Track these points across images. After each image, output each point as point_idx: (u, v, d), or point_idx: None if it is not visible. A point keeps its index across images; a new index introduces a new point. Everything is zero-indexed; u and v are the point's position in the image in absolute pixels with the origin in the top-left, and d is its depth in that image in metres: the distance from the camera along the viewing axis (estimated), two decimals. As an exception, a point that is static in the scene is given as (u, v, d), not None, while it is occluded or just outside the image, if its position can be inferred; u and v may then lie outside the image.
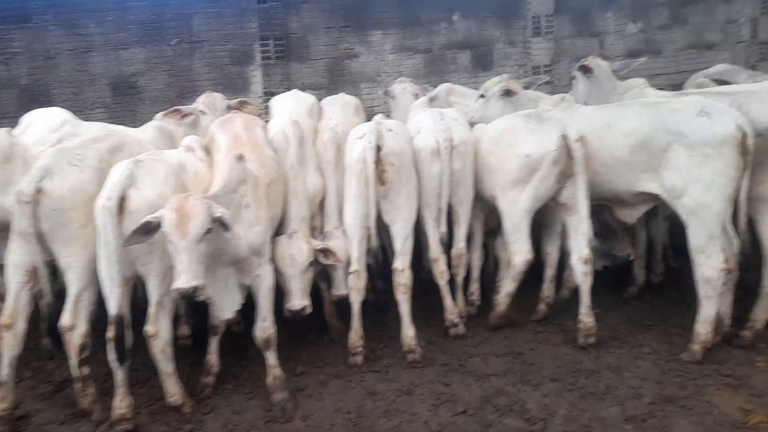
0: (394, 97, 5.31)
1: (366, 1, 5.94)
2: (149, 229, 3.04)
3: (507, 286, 4.12)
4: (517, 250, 3.99)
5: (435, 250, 4.14)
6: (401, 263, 3.89)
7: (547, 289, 4.47)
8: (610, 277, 4.84)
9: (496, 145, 4.07)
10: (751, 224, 3.85)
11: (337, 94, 5.83)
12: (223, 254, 3.37)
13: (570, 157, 3.76)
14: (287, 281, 3.91)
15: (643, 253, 4.71)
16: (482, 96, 4.72)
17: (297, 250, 3.89)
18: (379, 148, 3.74)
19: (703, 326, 3.76)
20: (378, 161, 3.72)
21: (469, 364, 3.90)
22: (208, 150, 4.29)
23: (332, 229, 4.16)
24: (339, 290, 4.10)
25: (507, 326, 4.29)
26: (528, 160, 3.83)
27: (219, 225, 3.14)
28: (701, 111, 3.62)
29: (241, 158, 3.59)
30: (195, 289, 3.01)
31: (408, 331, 3.94)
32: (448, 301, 4.21)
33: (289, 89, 5.79)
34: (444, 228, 4.14)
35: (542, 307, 4.43)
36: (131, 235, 3.03)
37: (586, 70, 4.71)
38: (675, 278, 4.83)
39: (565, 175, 3.82)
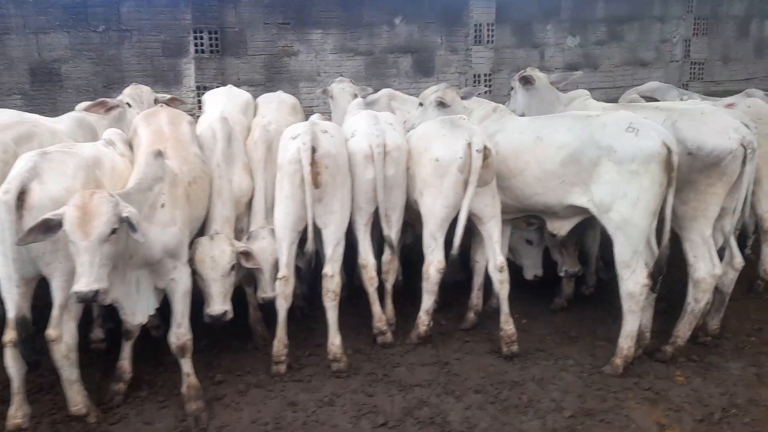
0: (333, 97, 5.18)
1: (307, -1, 5.80)
2: (49, 227, 2.81)
3: (425, 301, 4.04)
4: (431, 261, 3.92)
5: (364, 255, 4.05)
6: (331, 269, 3.77)
7: (476, 297, 4.44)
8: (540, 288, 4.88)
9: (415, 151, 4.02)
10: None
11: (274, 91, 5.69)
12: (134, 256, 3.17)
13: (471, 166, 3.72)
14: (208, 285, 3.72)
15: (573, 265, 4.75)
16: (421, 104, 4.68)
17: (219, 253, 3.72)
18: (314, 150, 3.60)
19: (626, 341, 3.81)
20: (312, 163, 3.59)
21: (394, 374, 3.82)
22: (131, 144, 4.09)
23: (257, 229, 4.01)
24: (265, 293, 3.94)
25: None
26: (437, 165, 3.79)
27: (126, 225, 2.94)
28: (629, 127, 3.65)
29: (158, 154, 3.40)
30: (96, 293, 2.80)
31: (334, 340, 3.83)
32: (375, 308, 4.11)
33: (223, 84, 5.57)
34: (386, 231, 4.07)
35: (471, 315, 4.40)
36: (28, 232, 2.80)
37: (526, 81, 4.73)
38: (605, 290, 4.90)
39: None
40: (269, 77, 5.85)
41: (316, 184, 3.59)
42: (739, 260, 4.15)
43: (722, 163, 3.75)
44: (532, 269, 4.67)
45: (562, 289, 4.76)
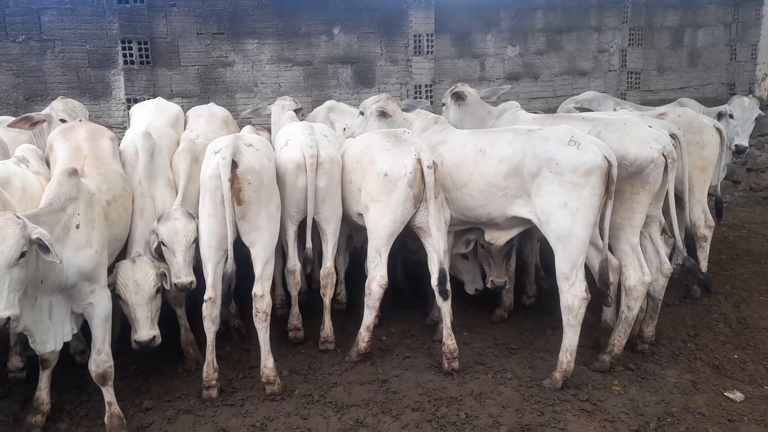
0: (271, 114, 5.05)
1: (241, 9, 5.64)
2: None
3: (366, 317, 3.96)
4: (374, 276, 3.84)
5: (292, 261, 4.03)
6: (261, 288, 3.63)
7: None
8: (481, 300, 4.85)
9: (357, 163, 3.95)
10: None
11: (208, 103, 5.53)
12: (45, 280, 2.97)
13: (423, 182, 3.66)
14: (132, 310, 3.55)
15: (512, 276, 4.73)
16: (362, 113, 4.59)
17: (142, 276, 3.55)
18: (235, 165, 3.46)
19: (565, 355, 3.79)
20: (234, 179, 3.45)
21: (331, 394, 3.70)
22: (48, 162, 3.88)
23: (170, 210, 3.74)
24: (179, 278, 3.61)
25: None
26: (386, 180, 3.71)
27: (37, 247, 2.75)
28: (571, 140, 3.67)
29: (72, 173, 3.20)
30: (7, 320, 2.64)
31: (267, 362, 3.68)
32: (294, 309, 4.19)
33: (155, 96, 5.38)
34: (309, 244, 3.97)
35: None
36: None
37: (458, 97, 4.72)
38: (546, 300, 4.90)
39: (419, 199, 3.73)
40: (204, 88, 5.66)
41: (238, 200, 3.45)
42: (668, 266, 4.22)
43: (644, 172, 3.83)
44: (472, 283, 4.64)
45: (502, 300, 4.74)
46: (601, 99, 5.84)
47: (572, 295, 3.69)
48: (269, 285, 3.66)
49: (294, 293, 4.20)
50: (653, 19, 7.53)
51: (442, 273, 3.78)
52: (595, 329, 4.48)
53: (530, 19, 6.87)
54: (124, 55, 5.25)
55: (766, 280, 5.63)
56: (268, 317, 3.65)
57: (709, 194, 5.35)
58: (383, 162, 3.76)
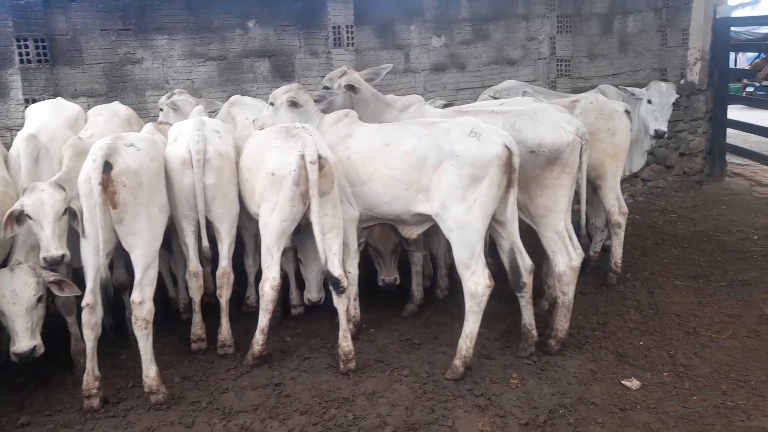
0: (178, 109, 4.89)
1: (148, 3, 5.44)
2: None
3: (261, 320, 3.85)
4: (267, 277, 3.74)
5: (194, 264, 3.91)
6: (140, 295, 3.49)
7: (353, 308, 4.31)
8: (395, 295, 4.78)
9: (252, 161, 3.84)
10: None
11: (116, 101, 5.36)
12: None
13: (308, 179, 3.57)
14: (11, 321, 3.43)
15: (420, 270, 4.67)
16: (271, 104, 4.43)
17: (21, 285, 3.42)
18: (110, 167, 3.31)
19: (465, 341, 3.77)
20: (108, 181, 3.30)
21: (221, 401, 3.60)
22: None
23: (37, 182, 3.54)
24: (48, 252, 3.37)
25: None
26: (273, 178, 3.61)
27: None
28: (472, 131, 3.66)
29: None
30: None
31: (149, 371, 3.56)
32: (196, 317, 4.04)
33: (56, 96, 5.19)
34: (206, 242, 3.86)
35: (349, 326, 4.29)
36: None
37: (351, 89, 4.59)
38: (460, 293, 4.84)
39: (308, 197, 3.63)
40: (111, 87, 5.46)
41: (113, 204, 3.30)
42: (579, 252, 4.18)
43: (563, 156, 3.88)
44: (307, 293, 4.50)
45: (412, 294, 4.68)
46: (519, 87, 5.79)
47: (474, 282, 3.66)
48: (151, 291, 3.51)
49: (197, 298, 4.06)
50: (582, 6, 7.49)
51: (329, 275, 3.69)
52: (501, 321, 4.46)
53: (455, 9, 6.78)
54: (20, 54, 5.03)
55: (685, 264, 5.66)
56: (149, 324, 3.52)
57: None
58: (271, 160, 3.65)
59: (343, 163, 3.96)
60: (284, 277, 4.59)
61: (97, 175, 3.25)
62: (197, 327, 4.11)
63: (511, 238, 3.82)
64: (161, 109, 4.88)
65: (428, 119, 4.06)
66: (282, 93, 4.35)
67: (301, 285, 4.58)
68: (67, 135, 4.30)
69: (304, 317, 4.62)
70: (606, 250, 5.49)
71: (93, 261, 3.45)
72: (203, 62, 5.76)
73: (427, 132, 3.74)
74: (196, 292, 4.00)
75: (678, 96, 5.77)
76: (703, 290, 5.06)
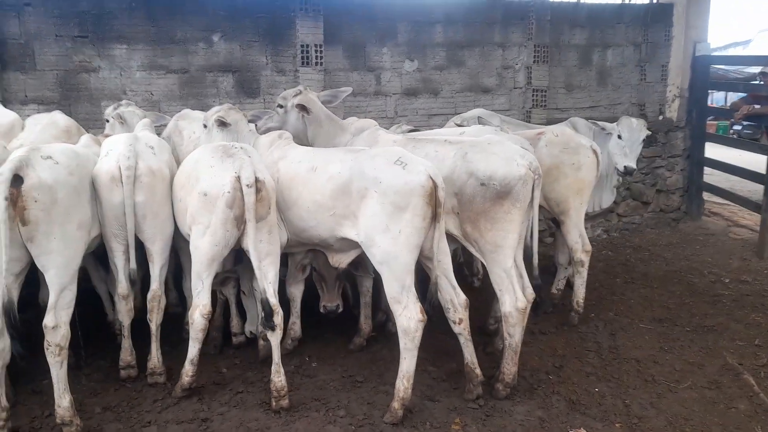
0: (125, 122, 4.68)
1: (107, 11, 5.27)
2: None
3: (190, 350, 3.62)
4: (197, 305, 3.51)
5: (123, 286, 3.68)
6: (53, 319, 3.23)
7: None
8: (344, 327, 4.56)
9: (186, 179, 3.63)
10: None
11: (71, 110, 5.16)
12: None
13: (243, 202, 3.36)
14: None
15: (369, 302, 4.45)
16: (204, 125, 4.29)
17: None
18: (20, 180, 3.08)
19: (402, 382, 3.55)
20: (18, 196, 3.06)
21: (137, 437, 3.34)
22: None
23: None
24: None
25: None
26: (205, 200, 3.41)
27: None
28: (398, 160, 3.50)
29: None
30: None
31: (62, 401, 3.30)
32: (125, 343, 3.81)
33: (5, 101, 4.99)
34: (133, 265, 3.64)
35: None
36: None
37: (303, 109, 4.43)
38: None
39: (242, 221, 3.42)
40: (64, 95, 5.26)
41: (23, 220, 3.06)
42: (529, 292, 4.00)
43: (514, 190, 3.69)
44: (248, 324, 4.33)
45: (360, 326, 4.45)
46: (487, 116, 5.64)
47: (407, 317, 3.46)
48: (66, 315, 3.25)
49: (126, 322, 3.82)
50: (560, 36, 7.40)
51: (265, 304, 3.46)
52: (453, 358, 4.23)
53: (429, 33, 6.66)
54: (-32, 57, 4.83)
55: (652, 306, 5.47)
56: (63, 351, 3.26)
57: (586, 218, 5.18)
58: (204, 180, 3.45)
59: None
60: (225, 303, 4.38)
61: (4, 190, 3.00)
62: (126, 353, 3.87)
63: (444, 272, 3.64)
64: (107, 121, 4.67)
65: (356, 147, 3.93)
66: (212, 113, 4.20)
67: (243, 312, 4.34)
68: (-4, 144, 4.08)
69: (246, 347, 4.37)
70: (571, 286, 5.30)
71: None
72: (164, 74, 5.58)
73: (353, 158, 3.60)
74: (125, 316, 3.77)
75: (649, 133, 5.65)
76: (667, 335, 4.87)
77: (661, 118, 8.17)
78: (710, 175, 8.54)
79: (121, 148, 3.57)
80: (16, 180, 3.04)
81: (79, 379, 3.89)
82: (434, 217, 3.43)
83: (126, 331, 3.84)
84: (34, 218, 3.08)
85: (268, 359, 4.13)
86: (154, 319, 3.79)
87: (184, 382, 3.64)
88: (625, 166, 5.40)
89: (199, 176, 3.49)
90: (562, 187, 4.79)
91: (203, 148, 3.73)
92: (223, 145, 3.64)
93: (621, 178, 5.59)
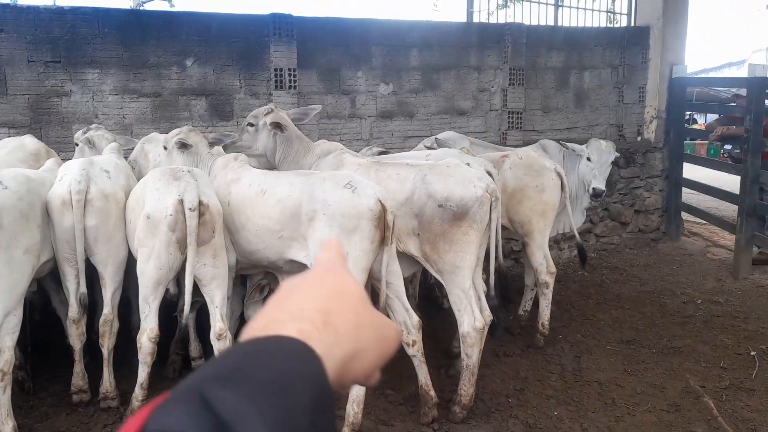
0: (95, 145, 4.74)
1: (80, 37, 5.36)
2: None
3: (140, 374, 3.63)
4: (144, 329, 3.53)
5: (74, 309, 3.69)
6: None
7: None
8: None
9: (135, 201, 3.67)
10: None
11: (41, 134, 5.23)
12: None
13: (185, 225, 3.39)
14: None
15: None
16: (165, 147, 4.33)
17: None
18: None
19: (352, 406, 3.73)
20: None
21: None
22: None
23: None
24: None
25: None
26: (149, 222, 3.44)
27: None
28: (348, 183, 3.54)
29: None
30: None
31: (4, 427, 3.31)
32: (77, 367, 3.81)
33: (-24, 126, 5.06)
34: (83, 289, 3.66)
35: None
36: None
37: (277, 126, 4.46)
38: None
39: (185, 244, 3.45)
40: (35, 119, 5.32)
41: None
42: (487, 313, 4.01)
43: (471, 211, 3.74)
44: None
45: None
46: (457, 139, 5.69)
47: None
48: (11, 341, 3.27)
49: (77, 347, 3.83)
50: (537, 59, 7.49)
51: (217, 326, 3.48)
52: (413, 381, 4.22)
53: (404, 57, 6.74)
54: (-61, 82, 4.90)
55: (622, 327, 5.47)
56: (6, 376, 3.27)
57: (560, 240, 5.21)
58: (149, 203, 3.50)
59: (224, 208, 3.83)
60: (185, 327, 4.38)
61: None
62: (77, 377, 3.87)
63: (396, 295, 3.66)
64: (76, 144, 4.72)
65: (306, 171, 3.97)
66: (172, 136, 4.25)
67: (201, 336, 4.35)
68: (-40, 167, 4.13)
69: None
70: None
71: None
72: (136, 98, 5.65)
73: (303, 181, 3.65)
74: (76, 340, 3.78)
75: (617, 155, 5.70)
76: (632, 357, 4.86)
77: (639, 138, 8.23)
78: (694, 195, 8.56)
79: (74, 172, 3.61)
80: None
81: (32, 403, 3.89)
82: (383, 240, 3.45)
83: (77, 355, 3.84)
84: None
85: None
86: (106, 344, 3.79)
87: (135, 407, 3.64)
88: (594, 188, 5.45)
89: (145, 199, 3.53)
90: (526, 209, 4.82)
91: (153, 171, 3.78)
92: (171, 169, 3.68)
93: (591, 201, 5.62)
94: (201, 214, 3.43)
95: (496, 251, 4.15)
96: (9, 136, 5.08)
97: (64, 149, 5.23)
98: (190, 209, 3.35)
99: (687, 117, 17.97)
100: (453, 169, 3.90)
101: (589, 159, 5.52)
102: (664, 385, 4.40)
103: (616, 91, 8.10)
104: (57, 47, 5.33)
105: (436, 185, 3.79)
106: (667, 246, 8.10)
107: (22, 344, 4.11)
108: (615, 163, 5.65)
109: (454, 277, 3.82)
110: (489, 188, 3.80)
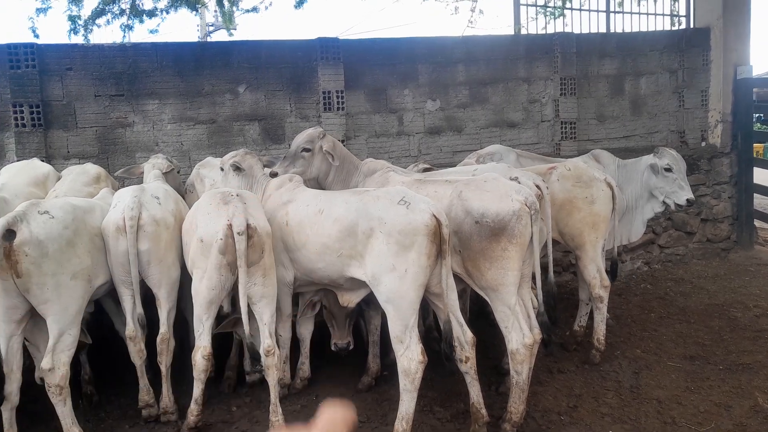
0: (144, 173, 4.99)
1: (141, 70, 5.70)
2: None
3: (194, 390, 3.76)
4: (198, 347, 3.67)
5: (130, 328, 3.88)
6: (50, 362, 3.39)
7: (282, 371, 4.22)
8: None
9: (189, 225, 3.84)
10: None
11: (108, 162, 5.57)
12: None
13: (235, 249, 3.51)
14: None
15: (377, 340, 4.48)
16: (221, 169, 4.50)
17: None
18: (13, 235, 3.28)
19: (401, 424, 3.57)
20: (11, 251, 3.25)
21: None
22: None
23: None
24: None
25: None
26: (202, 245, 3.59)
27: None
28: (402, 200, 3.58)
29: None
30: None
31: (70, 436, 3.50)
32: (141, 383, 3.95)
33: (49, 158, 5.45)
34: (140, 309, 3.85)
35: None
36: None
37: (332, 151, 4.55)
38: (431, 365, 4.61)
39: (236, 266, 3.56)
40: (103, 149, 5.68)
41: (16, 273, 3.26)
42: (537, 331, 3.93)
43: (508, 227, 3.67)
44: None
45: (368, 365, 4.48)
46: (504, 152, 5.64)
47: (408, 358, 3.48)
48: (66, 357, 3.44)
49: (137, 363, 3.98)
50: (588, 68, 7.34)
51: (250, 348, 3.59)
52: (461, 399, 4.18)
53: (451, 73, 6.77)
54: (15, 119, 5.31)
55: (686, 342, 5.21)
56: (64, 390, 3.45)
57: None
58: (201, 227, 3.65)
59: (282, 229, 3.94)
60: (239, 343, 4.52)
61: None
62: (143, 392, 4.03)
63: (450, 309, 3.64)
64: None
65: (361, 188, 4.01)
66: (228, 158, 4.40)
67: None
68: (32, 192, 4.45)
69: (258, 386, 4.48)
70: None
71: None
72: (193, 125, 5.93)
73: (358, 199, 3.69)
74: (136, 357, 3.94)
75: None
76: (696, 373, 4.62)
77: (703, 144, 7.88)
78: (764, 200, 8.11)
79: (128, 200, 3.80)
80: (10, 234, 3.26)
81: (101, 415, 4.10)
82: (440, 255, 3.47)
83: (140, 372, 4.01)
84: (25, 271, 3.28)
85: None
86: (164, 361, 3.95)
87: (190, 422, 3.78)
88: (687, 199, 5.27)
89: (198, 222, 3.68)
90: (576, 222, 4.71)
91: (205, 195, 3.94)
92: (222, 192, 3.83)
93: (665, 212, 5.44)
94: (249, 237, 3.55)
95: (542, 266, 4.06)
96: (78, 166, 5.43)
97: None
98: (238, 233, 3.47)
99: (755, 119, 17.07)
100: (490, 184, 3.85)
101: (668, 169, 5.31)
102: (731, 403, 4.16)
103: (675, 96, 7.81)
104: (120, 81, 5.69)
105: (472, 201, 3.75)
106: (738, 256, 7.68)
107: (90, 360, 4.38)
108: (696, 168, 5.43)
109: (498, 294, 3.77)
110: (528, 201, 3.71)
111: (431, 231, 3.45)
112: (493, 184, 3.85)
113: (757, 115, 16.84)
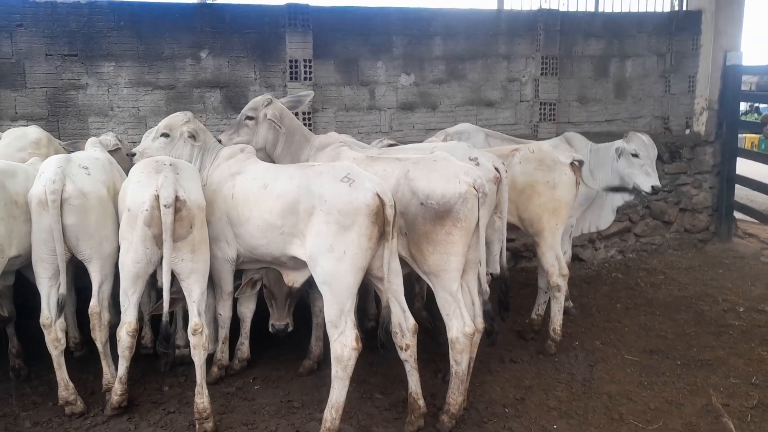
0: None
1: (96, 30, 5.43)
2: None
3: (120, 368, 3.60)
4: (123, 322, 3.49)
5: (45, 314, 3.59)
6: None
7: (220, 351, 4.11)
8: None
9: (122, 193, 3.63)
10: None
11: (59, 126, 5.34)
12: None
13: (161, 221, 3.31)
14: None
15: (322, 323, 4.31)
16: (165, 135, 4.17)
17: None
18: None
19: (330, 412, 3.42)
20: None
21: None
22: None
23: None
24: None
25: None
26: (129, 216, 3.40)
27: None
28: (345, 177, 3.37)
29: None
30: None
31: None
32: (59, 375, 3.66)
33: (-3, 119, 5.21)
34: (63, 290, 3.61)
35: (214, 370, 4.10)
36: None
37: (278, 119, 4.33)
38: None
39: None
40: (53, 111, 5.43)
41: None
42: (479, 321, 3.77)
43: (454, 209, 3.47)
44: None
45: (311, 349, 4.32)
46: (472, 131, 5.41)
47: (341, 344, 3.32)
48: None
49: (55, 353, 3.64)
50: (573, 47, 7.07)
51: (193, 321, 3.41)
52: (404, 386, 4.02)
53: (427, 46, 6.50)
54: (-42, 76, 5.07)
55: (648, 335, 5.06)
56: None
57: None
58: (129, 196, 3.44)
59: (227, 202, 3.75)
60: (165, 325, 4.30)
61: None
62: (61, 388, 3.68)
63: (393, 294, 3.46)
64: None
65: (309, 163, 3.80)
66: (181, 123, 4.13)
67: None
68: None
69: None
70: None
71: None
72: (150, 90, 5.68)
73: (301, 174, 3.49)
74: (51, 346, 3.61)
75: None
76: (653, 368, 4.47)
77: (687, 131, 7.66)
78: (749, 193, 7.90)
79: (51, 172, 3.49)
80: None
81: (25, 392, 3.94)
82: (383, 236, 3.28)
83: (56, 363, 3.65)
84: None
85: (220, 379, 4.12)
86: (98, 336, 3.71)
87: (113, 401, 3.61)
88: (652, 186, 5.02)
89: (127, 191, 3.48)
90: (536, 207, 4.52)
91: (140, 163, 3.71)
92: (155, 161, 3.60)
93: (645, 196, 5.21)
94: (177, 210, 3.34)
95: (497, 252, 3.89)
96: (28, 128, 5.20)
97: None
98: (165, 206, 3.26)
99: (748, 108, 16.72)
100: (439, 164, 3.62)
101: (635, 155, 5.08)
102: (683, 401, 4.01)
103: (662, 80, 7.56)
104: (74, 41, 5.42)
105: (419, 182, 3.54)
106: (716, 248, 7.51)
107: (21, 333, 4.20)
108: (658, 158, 5.20)
109: (440, 280, 3.57)
110: (476, 183, 3.49)
111: (373, 211, 3.25)
112: (443, 164, 3.64)
113: (755, 105, 16.63)
